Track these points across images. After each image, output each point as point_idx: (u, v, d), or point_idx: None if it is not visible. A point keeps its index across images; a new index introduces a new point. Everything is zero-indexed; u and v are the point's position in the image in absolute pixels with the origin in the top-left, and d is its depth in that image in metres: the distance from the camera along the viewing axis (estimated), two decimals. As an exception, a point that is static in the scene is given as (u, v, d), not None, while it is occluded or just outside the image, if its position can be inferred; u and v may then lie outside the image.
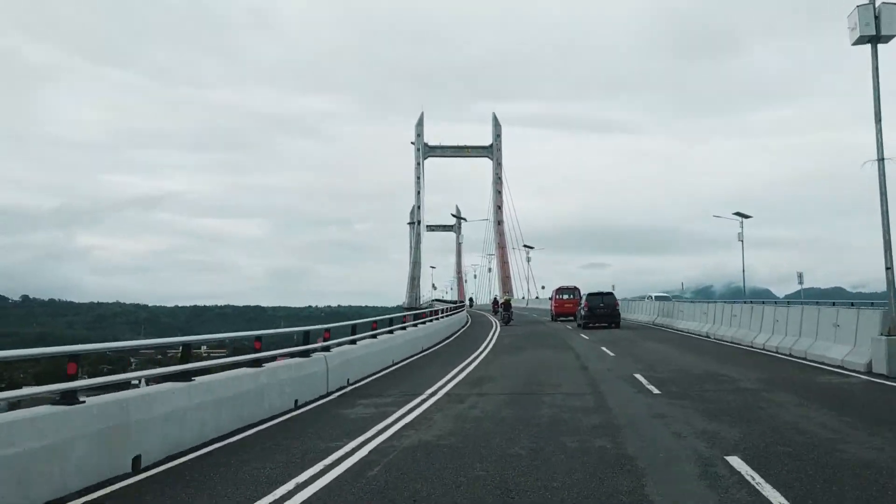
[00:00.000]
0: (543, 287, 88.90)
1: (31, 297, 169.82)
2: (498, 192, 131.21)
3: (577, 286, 47.55)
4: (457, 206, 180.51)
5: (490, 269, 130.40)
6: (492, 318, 51.01)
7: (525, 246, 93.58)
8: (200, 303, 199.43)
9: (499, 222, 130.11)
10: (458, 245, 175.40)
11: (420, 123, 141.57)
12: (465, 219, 68.86)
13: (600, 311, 36.36)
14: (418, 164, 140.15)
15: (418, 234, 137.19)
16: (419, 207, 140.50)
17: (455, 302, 62.18)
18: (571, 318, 42.97)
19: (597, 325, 36.07)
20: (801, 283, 38.47)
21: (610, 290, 39.10)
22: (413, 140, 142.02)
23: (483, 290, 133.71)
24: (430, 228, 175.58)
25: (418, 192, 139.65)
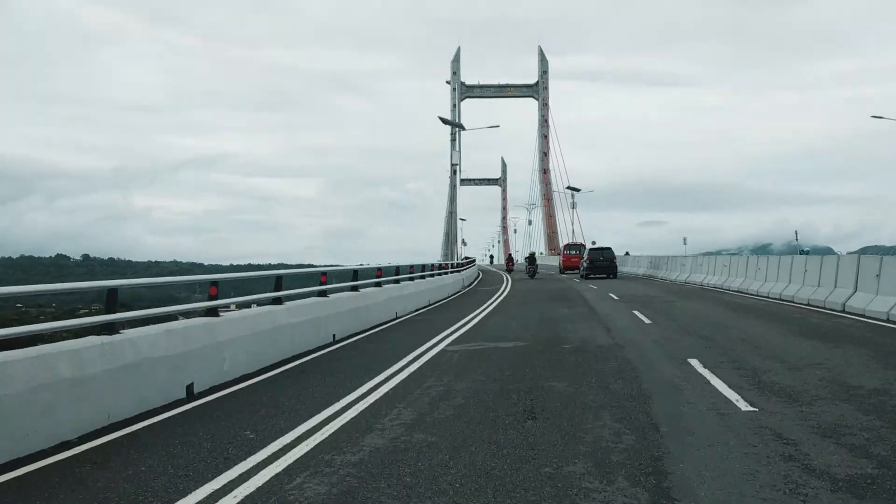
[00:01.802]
0: (594, 242, 73.61)
1: (91, 256, 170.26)
2: (544, 137, 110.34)
3: (583, 243, 55.20)
4: (502, 159, 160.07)
5: (530, 222, 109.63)
6: (505, 277, 43.53)
7: (569, 188, 70.83)
8: (255, 261, 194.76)
9: (544, 171, 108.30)
10: (503, 191, 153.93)
11: (457, 60, 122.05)
12: (462, 126, 55.03)
13: (600, 263, 40.46)
14: (454, 105, 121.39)
15: (453, 185, 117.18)
16: (456, 153, 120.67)
17: (465, 260, 48.02)
18: (577, 270, 45.64)
19: (597, 275, 39.68)
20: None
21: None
22: (449, 79, 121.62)
23: (527, 247, 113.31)
24: (473, 182, 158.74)
25: (453, 139, 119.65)
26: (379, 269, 18.87)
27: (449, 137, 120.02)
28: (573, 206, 68.89)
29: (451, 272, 31.08)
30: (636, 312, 17.63)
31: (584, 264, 41.28)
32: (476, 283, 38.85)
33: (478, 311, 19.54)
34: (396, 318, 17.82)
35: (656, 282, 35.29)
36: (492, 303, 22.81)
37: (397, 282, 19.39)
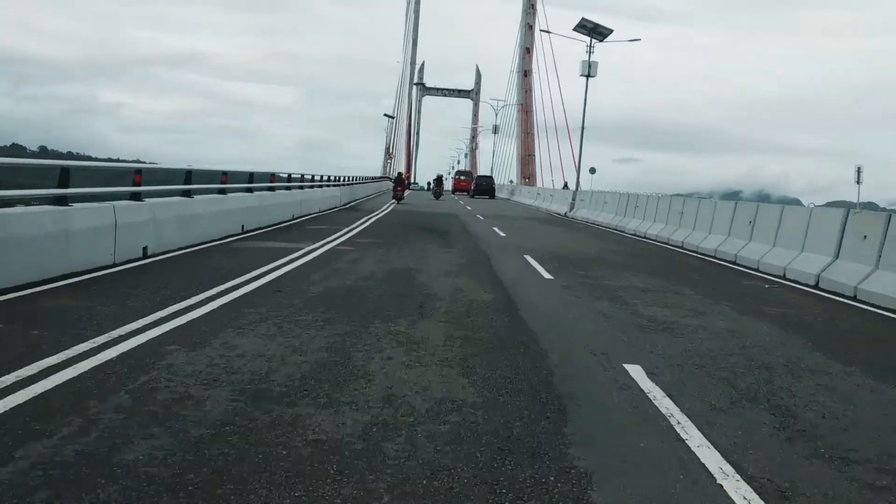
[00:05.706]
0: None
1: (49, 148, 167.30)
2: (528, 27, 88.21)
3: (471, 171, 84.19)
4: (476, 67, 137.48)
5: (496, 129, 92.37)
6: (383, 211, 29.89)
7: (580, 27, 39.88)
8: (221, 167, 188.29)
9: (525, 73, 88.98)
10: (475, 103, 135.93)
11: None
12: None
13: (483, 187, 59.89)
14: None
15: (402, 83, 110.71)
16: (412, 48, 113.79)
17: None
18: (466, 192, 64.66)
19: (482, 196, 57.20)
20: (858, 181, 29.19)
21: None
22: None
23: (491, 169, 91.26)
24: (440, 92, 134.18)
25: (408, 35, 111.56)
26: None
27: (403, 25, 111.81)
28: (589, 56, 41.41)
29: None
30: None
31: (472, 187, 62.24)
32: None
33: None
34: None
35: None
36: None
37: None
